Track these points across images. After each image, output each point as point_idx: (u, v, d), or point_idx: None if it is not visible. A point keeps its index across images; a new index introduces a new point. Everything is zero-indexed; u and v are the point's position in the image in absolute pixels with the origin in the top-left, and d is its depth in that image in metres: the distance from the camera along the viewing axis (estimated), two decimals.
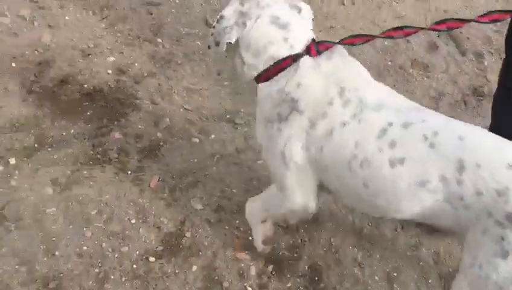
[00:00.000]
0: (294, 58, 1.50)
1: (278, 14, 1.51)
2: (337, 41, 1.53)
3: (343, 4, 3.25)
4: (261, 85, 1.56)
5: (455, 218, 1.37)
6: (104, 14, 2.80)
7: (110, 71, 2.52)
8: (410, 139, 1.37)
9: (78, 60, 2.54)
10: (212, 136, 2.35)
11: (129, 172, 2.16)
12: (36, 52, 2.53)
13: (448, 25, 1.43)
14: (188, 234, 1.99)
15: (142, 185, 2.12)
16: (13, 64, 2.44)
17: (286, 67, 1.50)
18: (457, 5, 3.39)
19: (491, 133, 1.40)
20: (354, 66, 1.56)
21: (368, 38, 1.50)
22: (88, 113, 2.33)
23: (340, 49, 1.56)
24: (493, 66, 2.91)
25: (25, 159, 2.13)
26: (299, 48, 1.50)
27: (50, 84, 2.41)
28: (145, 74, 2.55)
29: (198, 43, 2.77)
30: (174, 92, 2.50)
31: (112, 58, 2.58)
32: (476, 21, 1.41)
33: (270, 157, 1.60)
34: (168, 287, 1.85)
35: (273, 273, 1.94)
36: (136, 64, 2.59)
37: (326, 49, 1.51)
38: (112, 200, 2.05)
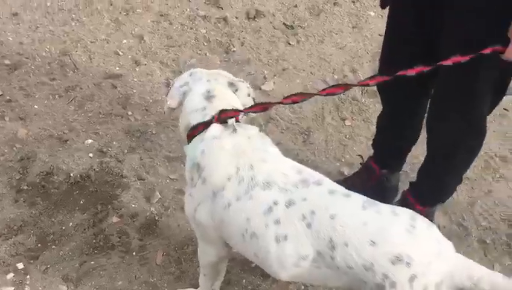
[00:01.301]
0: (206, 125, 1.65)
1: (210, 89, 1.70)
2: (241, 109, 1.69)
3: (289, 44, 3.48)
4: (185, 147, 1.75)
5: (341, 282, 1.55)
6: (71, 96, 2.87)
7: (91, 154, 2.62)
8: (291, 218, 1.53)
9: (58, 148, 2.62)
10: None
11: (134, 253, 2.29)
12: (15, 148, 2.58)
13: (328, 91, 1.65)
14: None
15: (149, 264, 2.26)
16: None
17: (199, 133, 1.67)
18: None
19: (366, 204, 1.52)
20: (254, 140, 1.67)
21: (264, 106, 1.70)
22: (81, 202, 2.43)
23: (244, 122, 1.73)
24: None
25: (32, 261, 2.20)
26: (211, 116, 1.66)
27: (37, 179, 2.48)
28: (125, 151, 2.66)
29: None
30: (157, 163, 2.64)
31: (89, 141, 2.68)
32: (359, 85, 1.68)
33: (188, 215, 1.79)
34: None
35: None
36: (114, 142, 2.69)
37: (230, 117, 1.64)
38: (125, 285, 2.18)
